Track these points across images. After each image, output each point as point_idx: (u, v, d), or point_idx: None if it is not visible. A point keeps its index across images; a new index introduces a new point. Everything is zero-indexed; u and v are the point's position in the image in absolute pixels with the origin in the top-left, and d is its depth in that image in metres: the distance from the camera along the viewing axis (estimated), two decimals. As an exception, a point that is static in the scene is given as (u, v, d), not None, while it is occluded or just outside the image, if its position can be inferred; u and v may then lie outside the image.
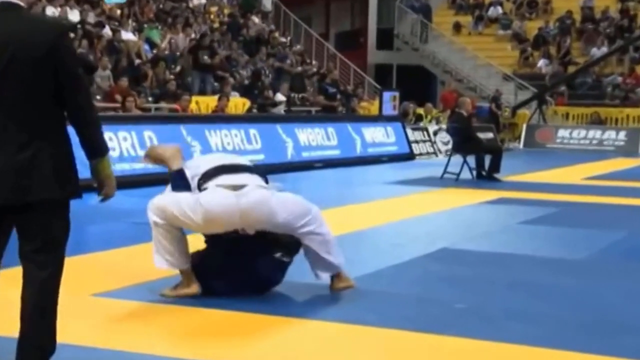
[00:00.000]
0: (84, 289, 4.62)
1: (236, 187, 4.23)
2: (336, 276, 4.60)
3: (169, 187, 4.55)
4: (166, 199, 4.34)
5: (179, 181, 4.43)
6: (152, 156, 4.78)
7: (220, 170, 4.31)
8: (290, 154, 13.64)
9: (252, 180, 4.34)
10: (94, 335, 3.82)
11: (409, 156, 16.77)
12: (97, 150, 3.08)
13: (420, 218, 8.13)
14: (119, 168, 10.22)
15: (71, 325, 3.72)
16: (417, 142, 17.51)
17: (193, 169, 4.47)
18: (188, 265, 4.32)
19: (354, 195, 10.16)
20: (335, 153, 14.74)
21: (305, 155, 14.00)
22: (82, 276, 4.86)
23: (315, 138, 14.45)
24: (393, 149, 16.48)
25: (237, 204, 4.20)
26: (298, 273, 4.71)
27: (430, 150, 17.88)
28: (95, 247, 6.06)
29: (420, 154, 17.35)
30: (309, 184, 11.61)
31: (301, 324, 4.07)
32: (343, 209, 8.67)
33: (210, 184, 4.25)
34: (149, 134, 10.77)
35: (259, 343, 3.81)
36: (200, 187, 4.29)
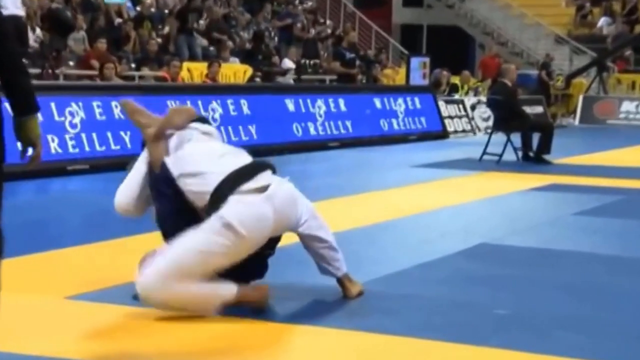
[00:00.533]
0: (56, 290, 4.65)
1: (261, 189, 4.18)
2: (346, 279, 4.62)
3: (130, 178, 4.42)
4: (177, 261, 4.00)
5: (163, 187, 4.20)
6: (128, 112, 4.63)
7: (237, 178, 4.16)
8: (299, 132, 13.69)
9: (272, 178, 4.31)
10: (69, 346, 3.81)
11: (442, 134, 16.80)
12: (30, 104, 3.16)
13: (455, 208, 8.16)
14: (98, 149, 10.31)
15: (42, 334, 3.80)
16: (451, 117, 17.52)
17: (182, 163, 4.23)
18: (235, 286, 4.21)
19: (375, 180, 10.19)
20: (353, 130, 14.77)
21: (318, 133, 14.03)
22: (53, 275, 4.87)
23: (329, 112, 14.47)
24: (422, 126, 16.50)
25: (271, 209, 4.16)
26: (308, 274, 4.76)
27: (467, 127, 17.87)
28: (68, 241, 6.12)
29: (455, 132, 17.36)
30: (321, 168, 11.61)
31: (313, 333, 4.09)
32: (362, 197, 8.74)
33: (232, 198, 4.09)
34: (132, 108, 10.86)
35: (267, 355, 3.84)
36: (216, 206, 4.08)
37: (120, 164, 9.57)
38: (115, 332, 4.09)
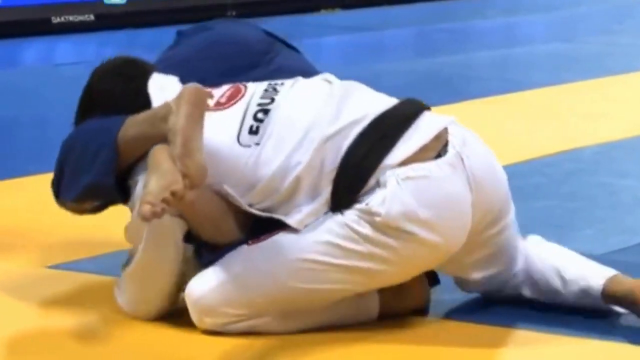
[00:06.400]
0: (33, 253, 4.62)
1: (433, 151, 3.83)
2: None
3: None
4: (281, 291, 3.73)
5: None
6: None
7: (385, 136, 3.78)
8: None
9: (442, 119, 3.94)
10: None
11: None
12: None
13: None
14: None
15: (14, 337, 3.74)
16: None
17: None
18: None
19: (613, 59, 9.49)
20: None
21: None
22: (26, 225, 4.84)
23: None
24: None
25: (464, 183, 3.85)
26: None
27: None
28: (49, 160, 6.15)
29: None
30: (538, 22, 11.60)
31: (531, 340, 3.79)
32: (580, 85, 8.21)
33: (384, 178, 3.76)
34: None
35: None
36: (350, 192, 3.75)
37: (150, 15, 9.31)
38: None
